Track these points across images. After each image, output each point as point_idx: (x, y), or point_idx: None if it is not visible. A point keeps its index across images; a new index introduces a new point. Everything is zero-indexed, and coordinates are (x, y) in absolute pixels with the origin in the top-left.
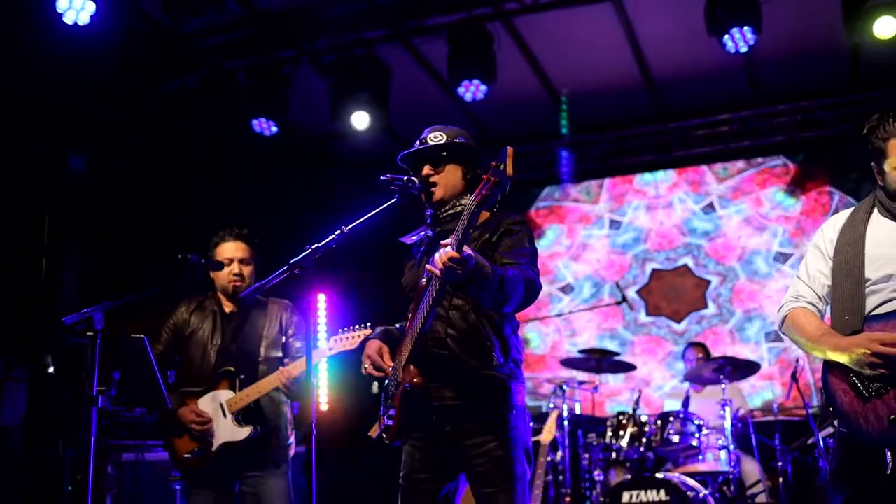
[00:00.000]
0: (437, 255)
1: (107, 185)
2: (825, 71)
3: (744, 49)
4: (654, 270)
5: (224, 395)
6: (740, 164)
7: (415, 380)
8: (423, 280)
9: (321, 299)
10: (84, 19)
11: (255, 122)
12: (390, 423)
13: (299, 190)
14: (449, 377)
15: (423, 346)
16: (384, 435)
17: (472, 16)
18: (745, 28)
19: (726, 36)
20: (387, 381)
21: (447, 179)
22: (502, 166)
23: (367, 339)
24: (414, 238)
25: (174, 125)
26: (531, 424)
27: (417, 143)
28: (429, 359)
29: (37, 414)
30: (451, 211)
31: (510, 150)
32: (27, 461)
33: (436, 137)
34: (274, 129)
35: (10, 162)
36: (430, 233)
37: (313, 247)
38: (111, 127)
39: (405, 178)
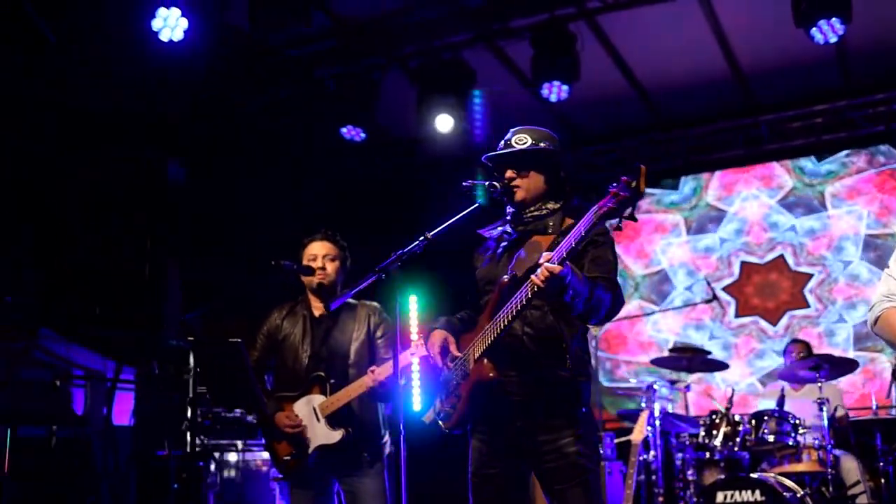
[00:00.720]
0: (539, 270)
1: (205, 194)
2: None
3: (833, 39)
4: (743, 263)
5: (317, 399)
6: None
7: (490, 374)
8: (506, 278)
9: (413, 300)
10: (178, 35)
11: (344, 129)
12: (451, 411)
13: (390, 192)
14: (523, 374)
15: (499, 342)
16: (442, 422)
17: (555, 16)
18: (833, 19)
19: (814, 28)
20: (448, 371)
21: (529, 183)
22: (634, 183)
23: (430, 329)
24: (493, 232)
25: (266, 134)
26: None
27: (502, 143)
28: (504, 355)
29: (144, 415)
30: (535, 213)
31: (643, 168)
32: (137, 460)
33: (520, 141)
34: (362, 135)
35: (113, 172)
36: (511, 232)
37: (398, 253)
38: (208, 137)
39: (486, 183)
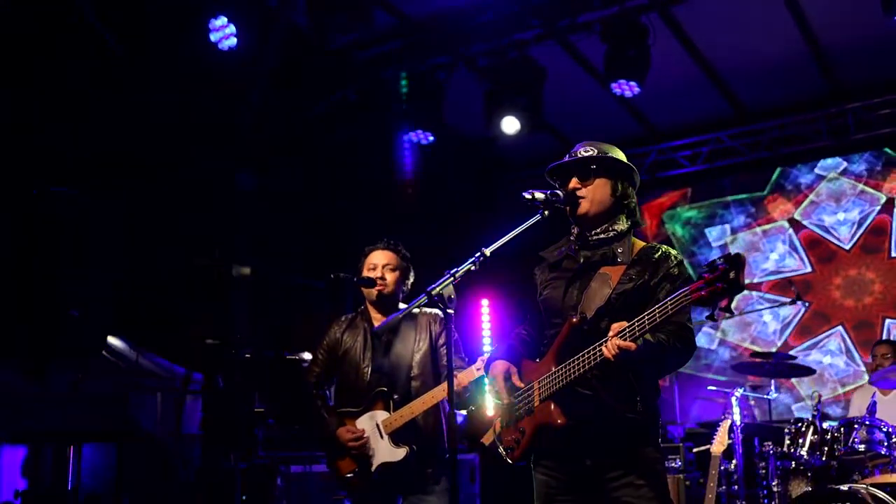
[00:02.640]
0: (609, 344)
1: (274, 200)
2: None
3: None
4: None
5: (380, 415)
6: None
7: (559, 420)
8: (575, 319)
9: (484, 304)
10: (232, 42)
11: (412, 133)
12: (514, 445)
13: (463, 194)
14: (591, 417)
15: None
16: (504, 453)
17: (626, 9)
18: None
19: None
20: (510, 402)
21: (594, 193)
22: (733, 274)
23: (491, 358)
24: (556, 254)
25: (335, 138)
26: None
27: (567, 157)
28: (570, 398)
29: (212, 426)
30: (601, 235)
31: (744, 257)
32: (205, 470)
33: (586, 151)
34: (430, 138)
35: (182, 182)
36: (576, 256)
37: (451, 272)
38: (275, 143)
39: (548, 192)
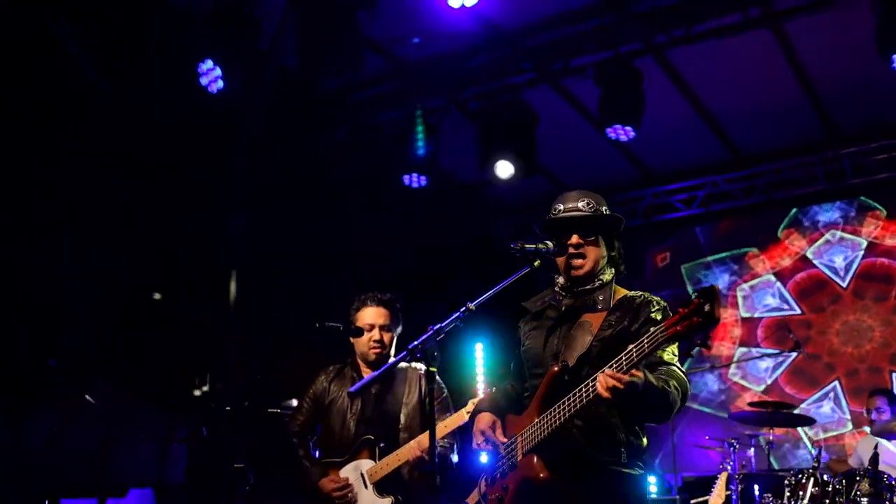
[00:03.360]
0: (602, 379)
1: (266, 242)
2: None
3: None
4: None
5: (365, 464)
6: None
7: (541, 474)
8: (556, 368)
9: (479, 348)
10: (219, 86)
11: (405, 176)
12: (496, 502)
13: (456, 238)
14: (574, 470)
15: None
16: None
17: (620, 53)
18: None
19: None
20: (497, 455)
21: (597, 253)
22: (708, 307)
23: (475, 410)
24: (538, 304)
25: (327, 180)
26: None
27: (560, 206)
28: (554, 449)
29: (195, 477)
30: (587, 286)
31: (717, 288)
32: None
33: (588, 206)
34: (424, 181)
35: (170, 223)
36: (559, 305)
37: (434, 328)
38: (269, 186)
39: (535, 246)
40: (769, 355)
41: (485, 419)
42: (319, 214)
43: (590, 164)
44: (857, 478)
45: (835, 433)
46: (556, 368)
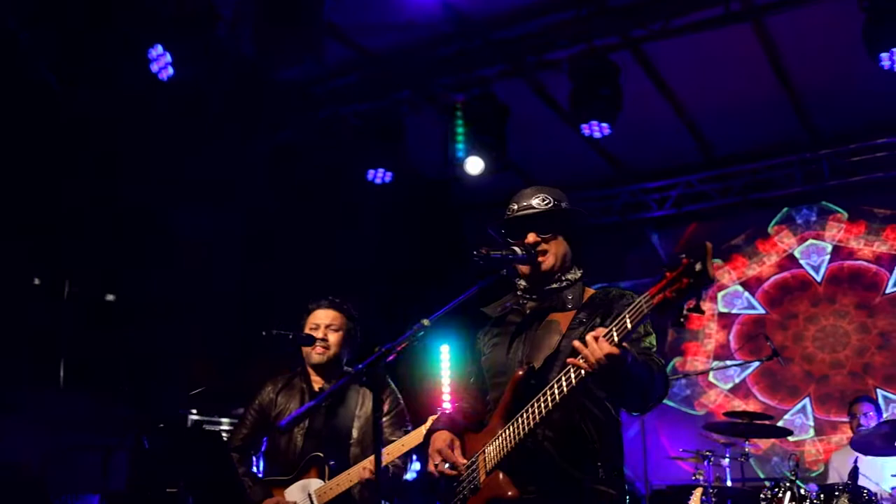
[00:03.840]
0: (588, 349)
1: (219, 239)
2: None
3: None
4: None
5: (313, 484)
6: None
7: (509, 493)
8: (521, 371)
9: (444, 351)
10: (169, 72)
11: (370, 171)
12: None
13: (425, 236)
14: (546, 488)
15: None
16: None
17: (595, 46)
18: None
19: (884, 54)
20: (456, 478)
21: (557, 249)
22: (699, 266)
23: (430, 430)
24: (499, 311)
25: (289, 176)
26: None
27: (515, 206)
28: (522, 465)
29: (135, 487)
30: (553, 285)
31: (708, 245)
32: None
33: (544, 202)
34: (389, 176)
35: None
36: (522, 309)
37: (383, 349)
38: (224, 180)
39: (503, 252)
40: (751, 361)
41: (441, 438)
42: (278, 210)
43: (561, 160)
44: (836, 493)
45: (795, 439)
46: (520, 372)
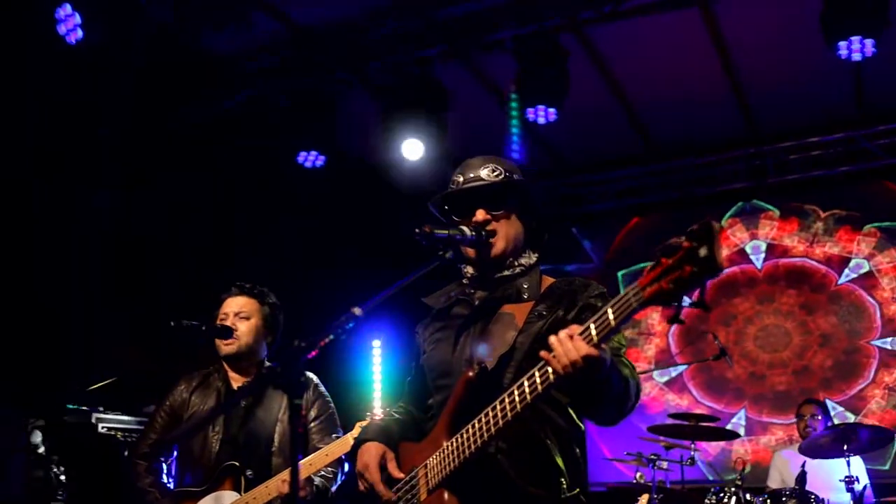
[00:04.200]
0: (560, 346)
1: (133, 226)
2: None
3: (857, 58)
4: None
5: (228, 497)
6: None
7: None
8: (471, 373)
9: (376, 346)
10: (78, 35)
11: (300, 154)
12: None
13: (355, 226)
14: None
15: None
16: None
17: (543, 28)
18: (866, 40)
19: (842, 42)
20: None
21: (509, 229)
22: (704, 251)
23: (358, 440)
24: (443, 301)
25: (209, 157)
26: None
27: (460, 178)
28: (470, 483)
29: (34, 491)
30: (505, 272)
31: (716, 226)
32: None
33: (494, 173)
34: (321, 160)
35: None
36: (471, 299)
37: (301, 344)
38: (137, 159)
39: (447, 232)
40: (698, 361)
41: (371, 452)
42: (200, 196)
43: (500, 149)
44: (784, 498)
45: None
46: (470, 374)
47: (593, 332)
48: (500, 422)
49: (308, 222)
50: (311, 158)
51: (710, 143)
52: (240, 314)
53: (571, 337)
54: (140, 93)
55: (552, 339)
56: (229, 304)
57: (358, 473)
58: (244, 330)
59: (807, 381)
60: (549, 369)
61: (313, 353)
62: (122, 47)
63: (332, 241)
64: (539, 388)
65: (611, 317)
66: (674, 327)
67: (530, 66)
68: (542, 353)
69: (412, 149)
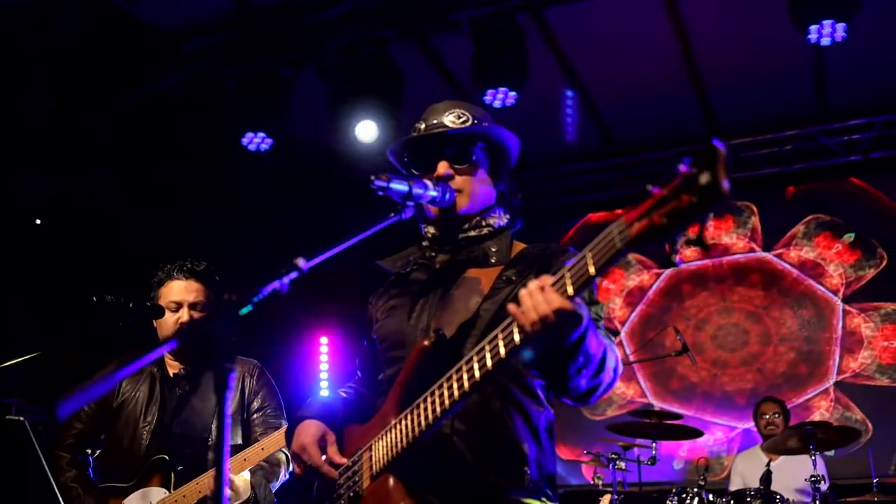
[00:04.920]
0: (530, 299)
1: (68, 210)
2: None
3: (826, 42)
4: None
5: (156, 494)
6: None
7: (401, 503)
8: (427, 341)
9: (323, 342)
10: None
11: (247, 135)
12: None
13: (303, 214)
14: (453, 497)
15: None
16: None
17: (501, 9)
18: (837, 24)
19: (813, 26)
20: (325, 485)
21: (475, 185)
22: (705, 177)
23: (296, 418)
24: (400, 265)
25: (151, 139)
26: None
27: (422, 124)
28: (421, 467)
29: None
30: (470, 233)
31: (721, 150)
32: None
33: (460, 119)
34: (268, 143)
35: None
36: (431, 263)
37: (231, 297)
38: (76, 140)
39: (409, 183)
40: (658, 357)
41: (310, 430)
42: (139, 179)
43: None
44: (748, 498)
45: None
46: (425, 343)
47: (568, 280)
48: (456, 394)
49: (251, 208)
50: (256, 141)
51: (668, 138)
52: (197, 305)
53: (542, 288)
54: (78, 67)
55: (521, 291)
56: (180, 290)
57: (293, 455)
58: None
59: (754, 378)
60: (515, 329)
61: (248, 308)
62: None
63: (276, 228)
64: (502, 352)
65: (590, 262)
66: (632, 319)
67: (487, 48)
68: (509, 306)
69: (366, 131)
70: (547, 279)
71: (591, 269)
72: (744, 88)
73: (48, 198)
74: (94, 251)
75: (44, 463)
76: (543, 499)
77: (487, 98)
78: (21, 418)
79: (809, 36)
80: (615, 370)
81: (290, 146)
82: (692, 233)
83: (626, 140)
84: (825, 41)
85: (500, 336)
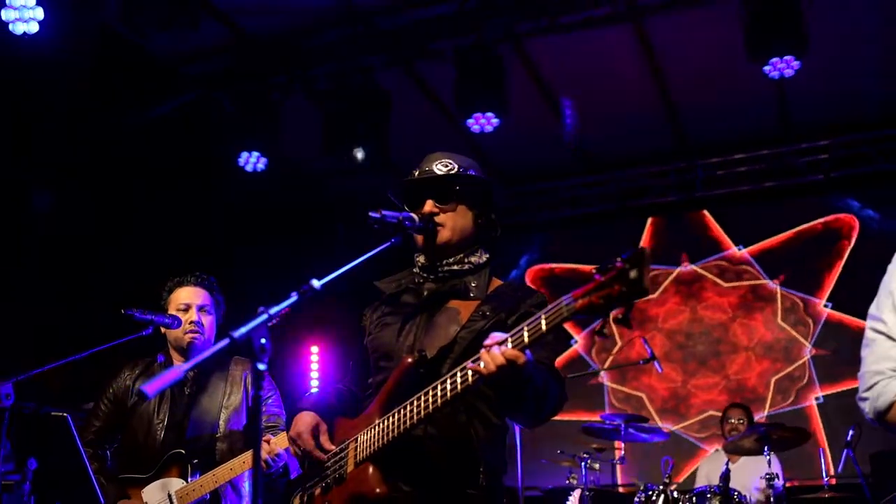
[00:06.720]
0: (489, 351)
1: (71, 227)
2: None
3: (789, 73)
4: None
5: (175, 483)
6: None
7: (377, 489)
8: (410, 359)
9: (314, 352)
10: (33, 28)
11: (241, 155)
12: None
13: (295, 234)
14: (419, 490)
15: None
16: None
17: (482, 39)
18: (788, 56)
19: (767, 65)
20: (316, 465)
21: (456, 220)
22: (635, 273)
23: (296, 409)
24: (394, 287)
25: (151, 159)
26: None
27: (417, 171)
28: (396, 461)
29: None
30: (454, 266)
31: (646, 251)
32: None
33: (445, 166)
34: (262, 163)
35: None
36: (419, 289)
37: (268, 311)
38: (82, 160)
39: (400, 216)
40: (628, 365)
41: (305, 420)
42: (141, 196)
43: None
44: (708, 495)
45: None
46: (409, 360)
47: (525, 335)
48: (430, 407)
49: (246, 226)
50: (252, 161)
51: (640, 157)
52: (204, 308)
53: (502, 343)
54: (83, 93)
55: (483, 352)
56: (189, 295)
57: (290, 440)
58: (208, 323)
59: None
60: (482, 363)
61: (274, 322)
62: (76, 43)
63: (269, 246)
64: (469, 379)
65: (543, 323)
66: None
67: (469, 77)
68: (470, 366)
69: (354, 155)
70: (497, 336)
71: (544, 327)
72: (712, 109)
73: (52, 215)
74: (96, 267)
75: (83, 455)
76: (489, 496)
77: (470, 123)
78: (64, 413)
79: (769, 72)
80: (556, 402)
81: (283, 165)
82: (619, 314)
83: (600, 159)
84: (787, 73)
85: (469, 367)
